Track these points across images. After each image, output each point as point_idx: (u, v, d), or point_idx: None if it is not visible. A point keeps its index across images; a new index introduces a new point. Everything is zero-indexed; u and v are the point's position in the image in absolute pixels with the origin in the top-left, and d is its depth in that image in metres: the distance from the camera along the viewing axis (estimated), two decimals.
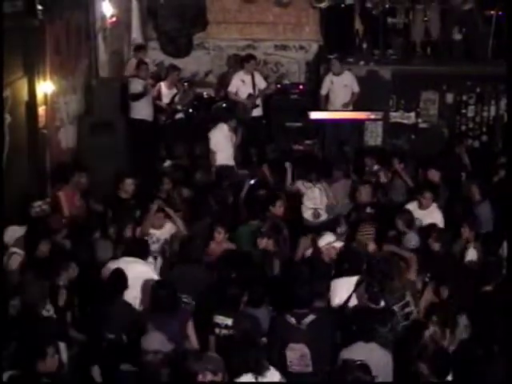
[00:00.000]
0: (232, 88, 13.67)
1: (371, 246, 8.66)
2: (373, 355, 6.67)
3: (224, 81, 15.21)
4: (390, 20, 14.55)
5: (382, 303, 7.40)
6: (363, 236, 8.77)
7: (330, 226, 9.53)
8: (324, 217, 10.35)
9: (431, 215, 9.69)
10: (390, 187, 11.01)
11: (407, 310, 7.63)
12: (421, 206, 9.80)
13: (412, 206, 9.85)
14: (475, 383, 6.66)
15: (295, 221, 10.19)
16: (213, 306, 7.45)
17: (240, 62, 14.18)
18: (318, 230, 9.43)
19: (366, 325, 6.86)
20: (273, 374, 6.50)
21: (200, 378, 6.28)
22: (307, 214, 10.24)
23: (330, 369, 6.90)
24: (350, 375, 6.19)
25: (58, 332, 7.11)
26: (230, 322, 7.21)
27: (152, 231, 9.30)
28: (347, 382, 6.18)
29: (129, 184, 10.29)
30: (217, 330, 7.27)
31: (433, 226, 9.15)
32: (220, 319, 7.28)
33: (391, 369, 6.82)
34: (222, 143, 12.28)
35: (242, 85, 13.61)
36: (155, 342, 6.79)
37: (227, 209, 10.29)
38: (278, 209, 9.75)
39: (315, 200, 10.32)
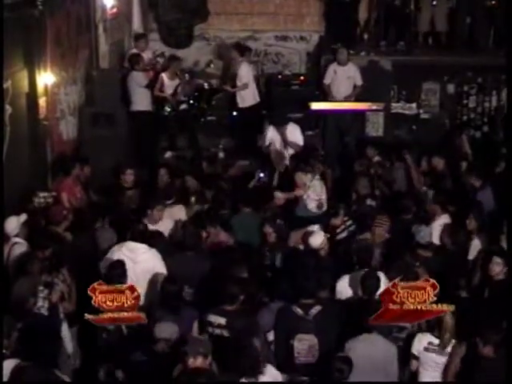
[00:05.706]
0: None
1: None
2: (377, 347, 6.69)
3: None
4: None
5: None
6: (381, 228, 8.74)
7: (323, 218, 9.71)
8: (325, 208, 10.35)
9: None
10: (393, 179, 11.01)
11: None
12: None
13: None
14: (478, 376, 6.64)
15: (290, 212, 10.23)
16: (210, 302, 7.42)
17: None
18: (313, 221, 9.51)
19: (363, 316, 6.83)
20: (270, 371, 6.42)
21: (191, 361, 6.16)
22: (311, 205, 10.24)
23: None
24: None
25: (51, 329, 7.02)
26: (223, 321, 7.12)
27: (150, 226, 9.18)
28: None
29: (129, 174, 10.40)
30: (210, 329, 7.18)
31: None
32: (213, 318, 7.19)
33: (396, 362, 6.82)
34: None
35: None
36: (168, 329, 6.67)
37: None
38: (277, 200, 9.95)
39: (319, 191, 10.31)
